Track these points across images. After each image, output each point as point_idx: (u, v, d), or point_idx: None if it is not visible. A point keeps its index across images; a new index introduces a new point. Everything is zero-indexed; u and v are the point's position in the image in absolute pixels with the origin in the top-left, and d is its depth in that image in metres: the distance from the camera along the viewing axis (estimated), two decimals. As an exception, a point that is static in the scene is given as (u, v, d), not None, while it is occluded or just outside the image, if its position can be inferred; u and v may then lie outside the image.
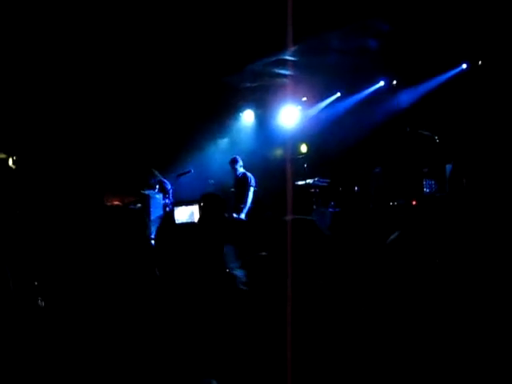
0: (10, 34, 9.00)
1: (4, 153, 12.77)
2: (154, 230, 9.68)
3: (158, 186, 10.68)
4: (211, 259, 2.77)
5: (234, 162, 10.36)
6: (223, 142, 12.78)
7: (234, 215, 9.75)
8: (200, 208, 4.31)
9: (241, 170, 10.33)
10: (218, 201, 4.26)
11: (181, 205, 9.62)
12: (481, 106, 9.13)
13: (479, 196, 7.46)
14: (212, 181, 11.25)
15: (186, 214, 9.27)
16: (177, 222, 9.14)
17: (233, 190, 10.69)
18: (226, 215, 9.48)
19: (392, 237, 3.27)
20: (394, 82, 11.15)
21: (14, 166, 12.72)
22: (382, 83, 11.37)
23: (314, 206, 10.14)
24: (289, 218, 2.99)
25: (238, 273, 2.98)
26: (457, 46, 9.63)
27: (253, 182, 10.11)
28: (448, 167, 8.64)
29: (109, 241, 3.25)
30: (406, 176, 9.35)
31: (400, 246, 3.07)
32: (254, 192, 10.13)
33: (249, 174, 10.21)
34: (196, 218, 8.77)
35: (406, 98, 10.63)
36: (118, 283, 2.89)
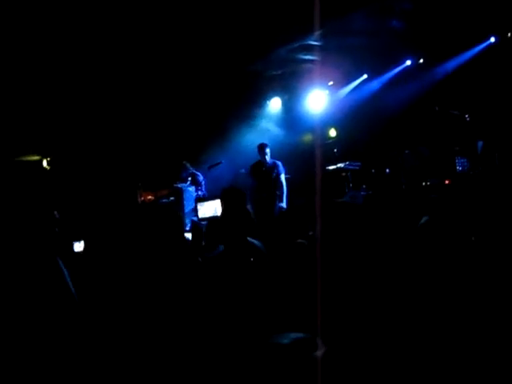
0: (41, 37, 9.15)
1: (38, 154, 13.03)
2: (187, 222, 9.82)
3: (190, 179, 10.75)
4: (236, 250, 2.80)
5: (263, 147, 10.08)
6: (252, 131, 12.78)
7: (279, 204, 9.70)
8: (221, 202, 4.34)
9: (268, 157, 10.06)
10: (238, 194, 4.29)
11: (204, 201, 9.64)
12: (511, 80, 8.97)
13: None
14: (243, 170, 11.28)
15: (210, 209, 9.26)
16: (201, 217, 9.24)
17: (243, 171, 10.59)
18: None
19: (423, 219, 3.27)
20: (421, 61, 11.01)
21: (48, 167, 12.96)
22: (408, 62, 11.22)
23: (346, 190, 10.11)
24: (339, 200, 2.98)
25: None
26: (484, 19, 9.45)
27: (282, 169, 9.98)
28: (479, 144, 8.53)
29: (145, 237, 3.32)
30: (437, 155, 9.24)
31: (432, 229, 3.07)
32: (286, 179, 10.02)
33: (278, 162, 10.08)
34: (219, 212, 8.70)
35: (433, 76, 10.49)
36: (155, 275, 2.96)
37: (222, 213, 4.23)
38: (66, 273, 2.71)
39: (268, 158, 10.07)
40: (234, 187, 5.16)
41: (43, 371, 2.32)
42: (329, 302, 2.39)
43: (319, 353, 1.96)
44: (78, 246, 7.61)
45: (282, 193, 9.82)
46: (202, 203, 9.59)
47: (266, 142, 10.54)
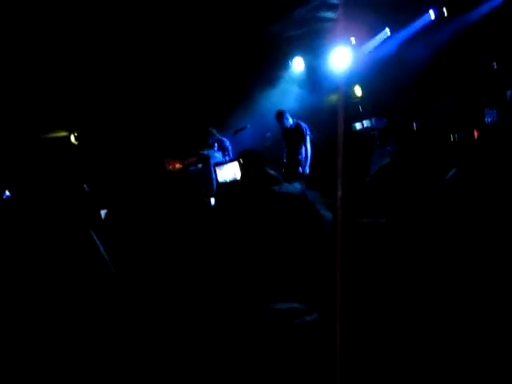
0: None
1: (66, 130, 13.19)
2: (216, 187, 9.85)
3: (216, 145, 10.79)
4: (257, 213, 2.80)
5: (280, 115, 9.84)
6: (276, 93, 12.70)
7: (300, 169, 9.59)
8: (240, 166, 4.34)
9: (290, 121, 9.86)
10: (257, 156, 4.29)
11: (222, 164, 9.54)
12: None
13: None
14: (269, 134, 11.28)
15: (229, 172, 9.07)
16: (220, 181, 9.15)
17: (269, 134, 10.46)
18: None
19: (451, 173, 3.24)
20: (445, 12, 10.75)
21: (76, 142, 13.13)
22: (432, 14, 10.97)
23: (374, 147, 10.05)
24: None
25: (326, 213, 2.98)
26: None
27: (308, 131, 9.78)
28: (508, 93, 8.36)
29: (167, 205, 3.37)
30: (465, 106, 9.10)
31: (459, 183, 3.04)
32: (311, 141, 9.83)
33: (303, 124, 9.83)
34: (238, 175, 8.45)
35: (458, 26, 10.25)
36: (176, 244, 3.00)
37: (242, 176, 4.24)
38: (99, 244, 2.77)
39: (288, 123, 9.82)
40: (250, 149, 5.15)
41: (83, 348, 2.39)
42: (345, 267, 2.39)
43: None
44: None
45: (306, 157, 9.65)
46: (220, 167, 9.48)
47: (289, 103, 10.48)
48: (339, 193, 2.51)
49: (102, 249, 2.75)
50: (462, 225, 2.67)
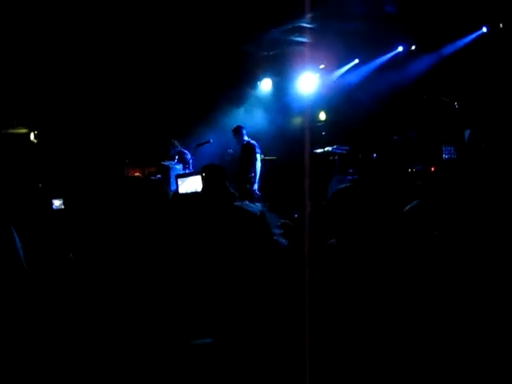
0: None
1: (25, 127, 12.96)
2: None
3: (177, 157, 10.75)
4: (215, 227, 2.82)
5: (237, 130, 10.03)
6: (241, 111, 12.77)
7: (248, 186, 9.63)
8: (202, 179, 4.38)
9: (246, 138, 10.03)
10: (219, 171, 4.34)
11: (185, 177, 9.55)
12: (501, 71, 9.02)
13: (498, 162, 7.43)
14: (231, 150, 11.28)
15: (191, 185, 9.10)
16: (180, 192, 9.14)
17: (230, 151, 10.59)
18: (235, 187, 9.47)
19: (409, 206, 3.31)
20: (413, 48, 11.04)
21: (35, 141, 12.91)
22: (400, 49, 11.25)
23: (333, 173, 10.17)
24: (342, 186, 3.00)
25: (281, 240, 3.01)
26: (477, 9, 9.47)
27: (258, 149, 9.92)
28: (467, 133, 8.59)
29: (129, 210, 3.35)
30: (425, 142, 9.31)
31: (416, 216, 3.11)
32: (261, 160, 9.98)
33: (253, 142, 9.98)
34: (199, 188, 8.57)
35: (424, 63, 10.52)
36: (138, 249, 2.99)
37: (203, 188, 4.26)
38: (17, 240, 2.75)
39: (243, 139, 10.00)
40: (214, 164, 5.18)
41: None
42: (315, 290, 2.42)
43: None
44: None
45: (254, 176, 9.77)
46: (182, 179, 9.47)
47: (255, 123, 10.55)
48: (305, 213, 2.55)
49: (19, 245, 2.73)
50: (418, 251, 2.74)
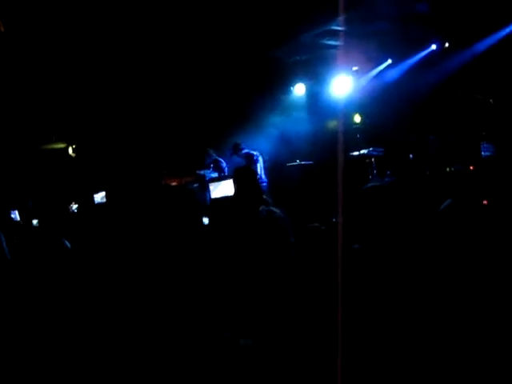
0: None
1: (64, 142, 13.24)
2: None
3: (212, 165, 10.82)
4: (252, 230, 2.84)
5: (236, 147, 10.62)
6: (276, 117, 12.77)
7: None
8: (234, 182, 4.37)
9: (244, 151, 10.54)
10: (250, 173, 4.34)
11: (216, 181, 9.60)
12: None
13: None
14: (267, 157, 11.30)
15: (223, 190, 9.21)
16: (213, 197, 9.22)
17: (266, 158, 10.84)
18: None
19: (443, 205, 3.26)
20: (447, 45, 10.87)
21: (73, 155, 13.17)
22: (433, 47, 11.08)
23: (370, 177, 10.08)
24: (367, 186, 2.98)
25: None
26: (509, 3, 9.29)
27: (259, 157, 10.39)
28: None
29: (165, 218, 3.41)
30: (462, 140, 9.14)
31: (451, 215, 3.06)
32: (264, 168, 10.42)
33: (252, 152, 10.45)
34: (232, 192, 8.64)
35: (458, 60, 10.35)
36: (172, 256, 3.03)
37: (235, 192, 4.26)
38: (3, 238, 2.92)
39: (243, 152, 10.53)
40: (246, 167, 5.18)
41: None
42: (349, 289, 2.41)
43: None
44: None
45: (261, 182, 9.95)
46: (214, 183, 9.54)
47: (290, 128, 10.61)
48: (339, 217, 2.54)
49: (2, 238, 2.86)
50: (452, 254, 2.69)
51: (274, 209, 2.96)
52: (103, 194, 9.70)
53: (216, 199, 8.85)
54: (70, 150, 13.16)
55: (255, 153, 10.45)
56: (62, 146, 13.18)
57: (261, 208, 2.85)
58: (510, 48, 9.57)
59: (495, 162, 8.24)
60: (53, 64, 10.35)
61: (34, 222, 8.67)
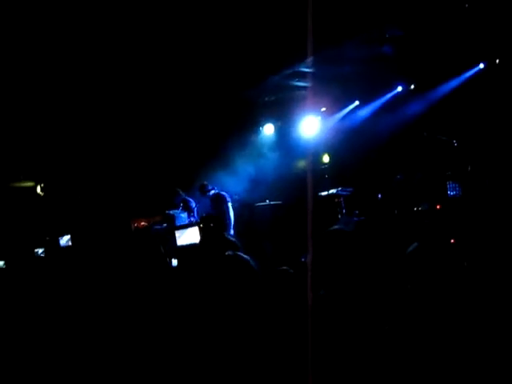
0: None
1: (32, 180, 13.07)
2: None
3: (182, 205, 10.78)
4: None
5: (203, 188, 10.60)
6: (246, 157, 12.83)
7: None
8: (200, 229, 4.41)
9: (212, 191, 10.53)
10: (217, 221, 4.38)
11: (183, 228, 9.55)
12: (500, 105, 9.06)
13: (502, 197, 7.39)
14: (236, 196, 11.30)
15: (189, 237, 9.17)
16: (179, 245, 9.16)
17: (236, 197, 10.85)
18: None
19: (412, 247, 3.27)
20: (412, 87, 11.12)
21: (42, 193, 13.00)
22: (399, 89, 11.32)
23: (339, 216, 10.13)
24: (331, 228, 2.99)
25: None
26: (473, 46, 9.56)
27: (228, 198, 10.34)
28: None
29: (129, 261, 3.40)
30: (428, 180, 9.27)
31: (421, 256, 3.07)
32: (233, 207, 10.36)
33: (223, 193, 10.43)
34: (198, 239, 8.75)
35: (424, 101, 10.58)
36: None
37: (201, 239, 4.27)
38: None
39: (210, 193, 10.50)
40: (211, 214, 5.19)
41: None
42: (318, 330, 2.39)
43: None
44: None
45: (230, 221, 10.00)
46: (179, 231, 9.49)
47: (259, 167, 10.65)
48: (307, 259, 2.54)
49: None
50: (420, 298, 2.69)
51: (241, 253, 2.96)
52: (68, 236, 9.58)
53: (183, 246, 8.80)
54: (39, 189, 12.99)
55: (224, 193, 10.43)
56: (30, 184, 13.01)
57: (227, 252, 2.85)
58: (472, 91, 9.84)
59: (461, 202, 8.37)
60: (21, 101, 10.28)
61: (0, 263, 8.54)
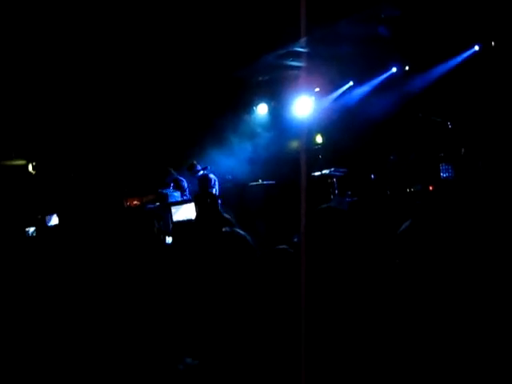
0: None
1: (24, 159, 13.00)
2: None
3: (173, 184, 10.77)
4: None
5: (191, 167, 10.66)
6: (239, 137, 12.79)
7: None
8: (195, 206, 4.41)
9: (201, 172, 10.60)
10: (211, 198, 4.39)
11: (179, 205, 9.56)
12: (494, 88, 9.05)
13: (495, 180, 7.41)
14: (230, 176, 11.29)
15: (185, 213, 9.16)
16: (174, 221, 9.19)
17: (229, 177, 10.86)
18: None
19: (403, 226, 3.27)
20: (407, 68, 11.08)
21: (33, 172, 12.94)
22: (394, 69, 11.29)
23: (332, 196, 10.12)
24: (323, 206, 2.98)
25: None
26: (468, 28, 9.53)
27: (214, 181, 10.41)
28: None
29: (122, 239, 3.38)
30: (421, 161, 9.28)
31: (411, 236, 3.07)
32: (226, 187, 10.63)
33: (210, 176, 10.47)
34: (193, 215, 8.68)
35: (419, 83, 10.56)
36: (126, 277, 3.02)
37: (196, 216, 4.27)
38: None
39: (199, 173, 10.58)
40: (206, 191, 5.18)
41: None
42: (313, 309, 2.39)
43: None
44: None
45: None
46: (175, 207, 9.49)
47: (253, 147, 10.63)
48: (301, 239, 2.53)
49: None
50: (412, 275, 2.70)
51: (237, 229, 2.95)
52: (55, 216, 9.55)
53: (179, 222, 8.78)
54: (30, 167, 12.93)
55: (212, 176, 10.47)
56: (21, 162, 12.95)
57: (224, 229, 2.85)
58: (467, 73, 9.82)
59: (453, 184, 8.40)
60: (14, 79, 10.19)
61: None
